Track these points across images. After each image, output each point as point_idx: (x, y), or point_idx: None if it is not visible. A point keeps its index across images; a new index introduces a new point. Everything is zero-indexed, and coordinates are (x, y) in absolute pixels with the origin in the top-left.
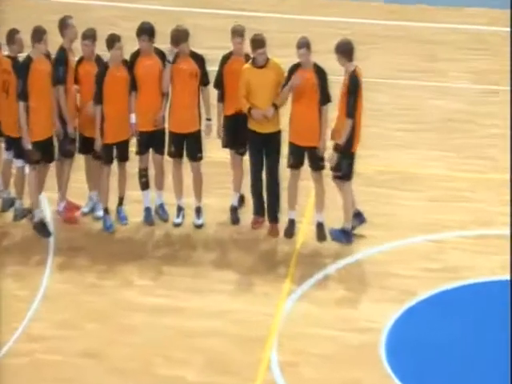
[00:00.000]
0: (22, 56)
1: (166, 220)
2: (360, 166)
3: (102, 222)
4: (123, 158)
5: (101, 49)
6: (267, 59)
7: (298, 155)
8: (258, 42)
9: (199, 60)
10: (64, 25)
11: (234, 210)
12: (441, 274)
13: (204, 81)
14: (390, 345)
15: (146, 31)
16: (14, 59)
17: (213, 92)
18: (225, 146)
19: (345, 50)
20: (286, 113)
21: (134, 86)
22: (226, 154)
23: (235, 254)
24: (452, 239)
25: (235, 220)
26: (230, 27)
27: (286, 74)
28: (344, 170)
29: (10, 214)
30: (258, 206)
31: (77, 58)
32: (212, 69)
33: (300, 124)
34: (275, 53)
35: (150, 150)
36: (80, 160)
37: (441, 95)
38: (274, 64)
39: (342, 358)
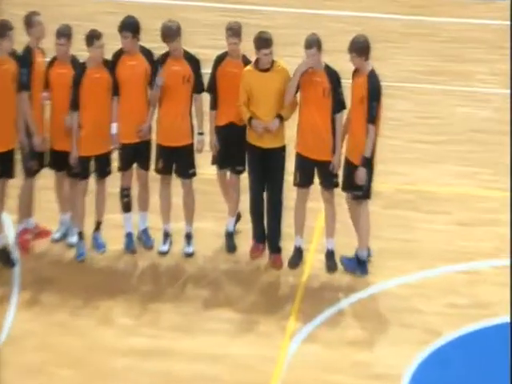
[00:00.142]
0: None
1: (150, 248)
2: (376, 184)
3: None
4: (102, 173)
5: (78, 48)
6: (273, 61)
7: (306, 171)
8: (264, 41)
9: (194, 62)
10: (29, 22)
11: (230, 236)
12: (470, 310)
13: (198, 87)
14: None
15: (130, 27)
16: None
17: (206, 100)
18: (214, 162)
19: (361, 48)
20: (292, 118)
21: (115, 90)
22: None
23: (231, 287)
24: (483, 270)
25: (231, 247)
26: (226, 24)
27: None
28: (365, 188)
29: None
30: (258, 232)
31: (48, 59)
32: (206, 71)
33: (310, 135)
34: (279, 52)
35: (134, 165)
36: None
37: (468, 101)
38: (281, 68)
39: None
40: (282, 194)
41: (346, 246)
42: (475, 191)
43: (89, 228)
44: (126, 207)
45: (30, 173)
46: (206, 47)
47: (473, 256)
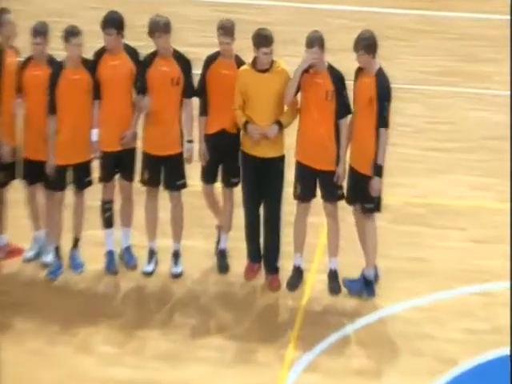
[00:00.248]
0: None
1: (133, 268)
2: (383, 196)
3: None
4: (80, 185)
5: (58, 48)
6: (272, 62)
7: (308, 182)
8: (264, 39)
9: (184, 63)
10: None
11: (223, 255)
12: (488, 336)
13: (188, 91)
14: None
15: (114, 23)
16: None
17: (197, 105)
18: (203, 176)
19: (370, 45)
20: (292, 123)
21: (97, 92)
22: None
23: (224, 312)
24: (501, 291)
25: (224, 267)
26: (217, 20)
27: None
28: (376, 199)
29: None
30: (253, 250)
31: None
32: (196, 72)
33: (311, 141)
34: (277, 51)
35: (117, 175)
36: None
37: (483, 105)
38: (281, 69)
39: None
40: (281, 208)
41: (351, 265)
42: (491, 204)
43: (65, 245)
44: (108, 222)
45: None
46: (196, 45)
47: (489, 276)
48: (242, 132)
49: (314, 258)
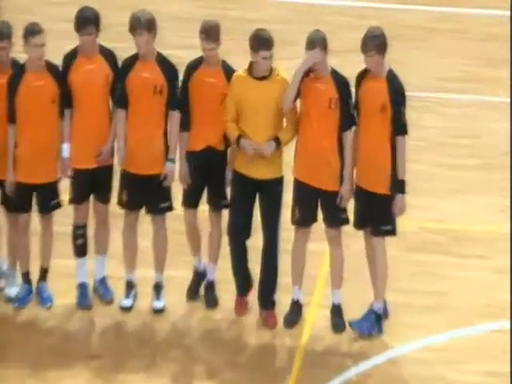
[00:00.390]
0: None
1: (109, 302)
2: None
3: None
4: (45, 208)
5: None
6: (272, 69)
7: (307, 203)
8: (263, 41)
9: (169, 69)
10: None
11: (210, 288)
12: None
13: (172, 102)
14: None
15: (92, 20)
16: None
17: None
18: (184, 200)
19: (382, 44)
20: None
21: (67, 101)
22: (202, 206)
23: (212, 353)
24: None
25: (212, 302)
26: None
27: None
28: (394, 222)
29: None
30: (241, 284)
31: None
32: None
33: (311, 156)
34: (274, 54)
35: (91, 197)
36: None
37: (509, 116)
38: (280, 78)
39: None
40: (278, 236)
41: (357, 299)
42: None
43: (32, 277)
44: (80, 251)
45: None
46: (179, 47)
47: None
48: (232, 148)
49: (315, 291)
